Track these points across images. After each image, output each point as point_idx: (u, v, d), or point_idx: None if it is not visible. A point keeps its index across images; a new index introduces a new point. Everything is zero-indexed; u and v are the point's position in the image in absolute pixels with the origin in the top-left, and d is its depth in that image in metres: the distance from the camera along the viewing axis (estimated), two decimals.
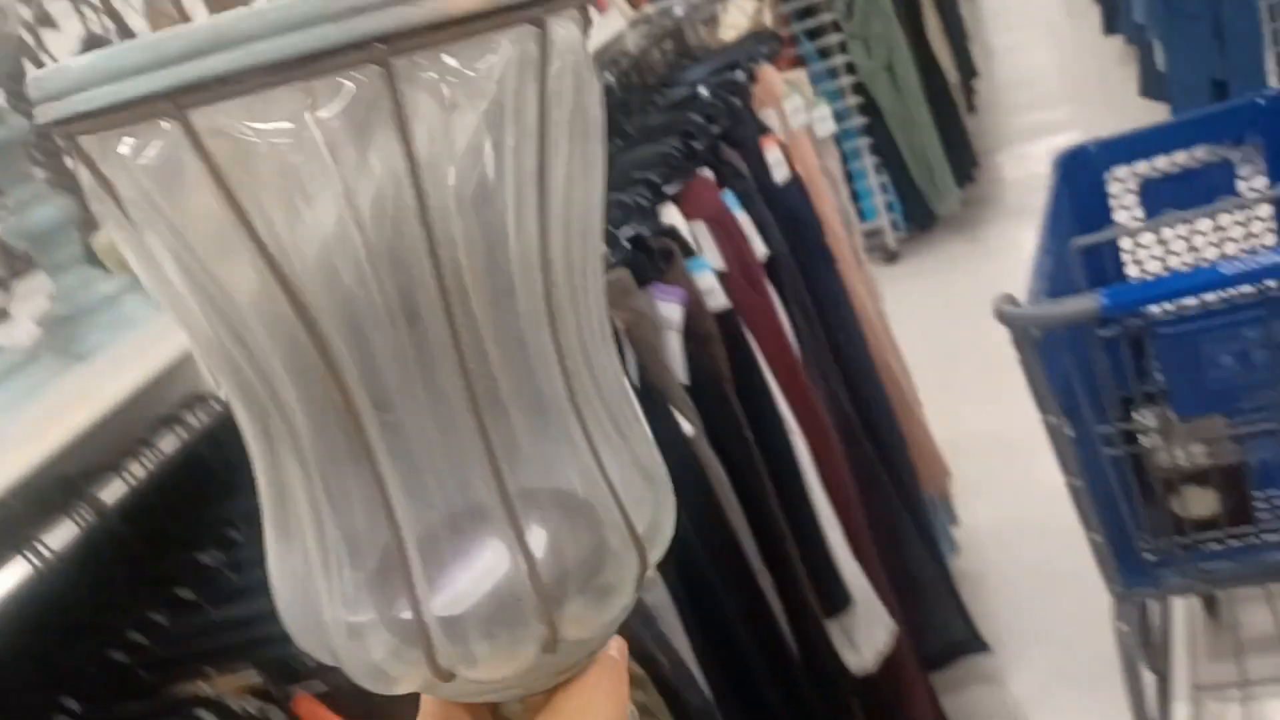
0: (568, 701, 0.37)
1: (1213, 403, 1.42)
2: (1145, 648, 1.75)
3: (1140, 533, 1.47)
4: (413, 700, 0.41)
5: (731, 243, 1.73)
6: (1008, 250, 3.94)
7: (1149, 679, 1.78)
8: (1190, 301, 1.58)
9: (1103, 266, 1.75)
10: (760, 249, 1.82)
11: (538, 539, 0.33)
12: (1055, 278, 1.49)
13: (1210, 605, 2.13)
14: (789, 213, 1.98)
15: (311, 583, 0.34)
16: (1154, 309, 1.57)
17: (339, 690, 0.84)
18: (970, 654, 2.14)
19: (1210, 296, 1.57)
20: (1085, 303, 1.26)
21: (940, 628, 2.06)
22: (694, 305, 1.53)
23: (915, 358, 2.62)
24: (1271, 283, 1.23)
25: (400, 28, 0.27)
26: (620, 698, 0.39)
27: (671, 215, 1.68)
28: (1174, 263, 1.73)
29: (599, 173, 0.35)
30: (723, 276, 1.65)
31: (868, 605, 1.67)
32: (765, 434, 1.56)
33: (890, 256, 4.90)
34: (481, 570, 0.33)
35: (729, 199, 1.81)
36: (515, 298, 0.33)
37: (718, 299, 1.61)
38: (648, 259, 1.45)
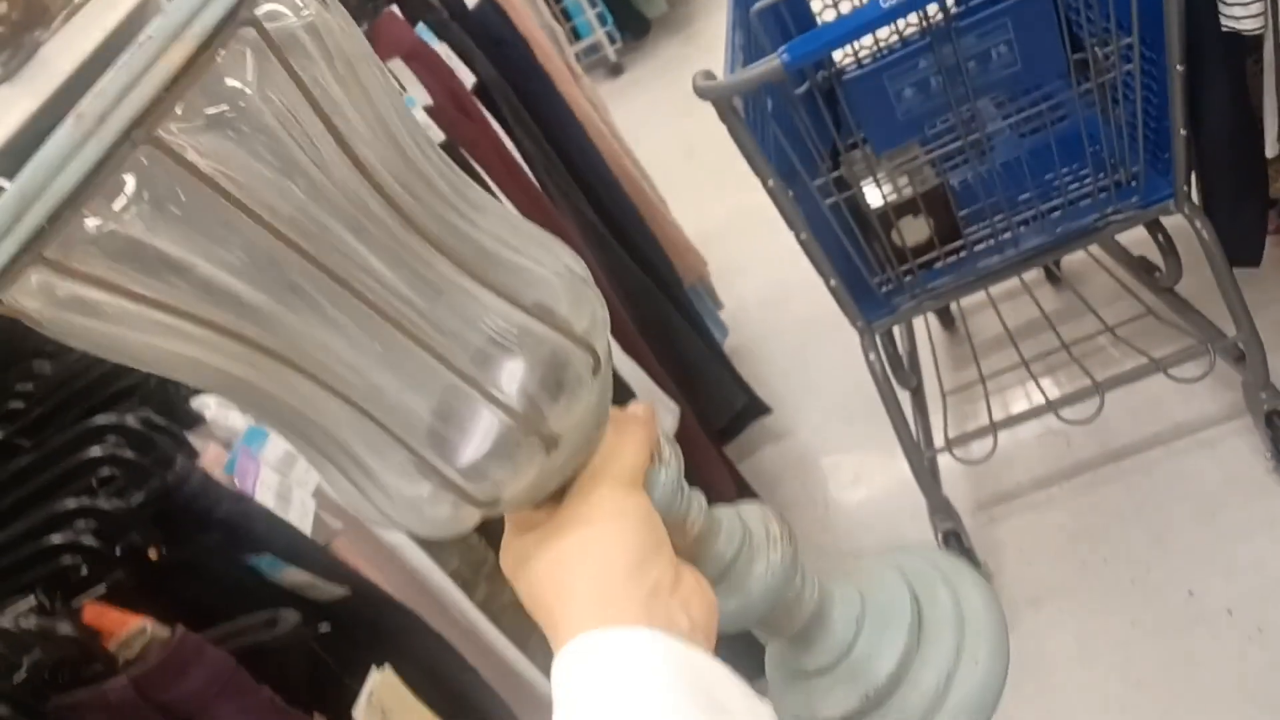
0: (598, 456, 0.51)
1: (905, 133, 1.54)
2: (897, 371, 1.94)
3: (870, 269, 1.64)
4: None
5: (434, 76, 1.71)
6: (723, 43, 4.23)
7: (906, 397, 2.01)
8: (867, 43, 1.69)
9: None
10: (468, 78, 1.81)
11: (506, 381, 0.45)
12: (750, 49, 1.58)
13: (946, 321, 2.38)
14: (490, 36, 1.98)
15: (386, 487, 0.46)
16: (838, 58, 1.67)
17: None
18: (755, 419, 2.35)
19: (884, 33, 1.70)
20: (770, 63, 1.35)
21: (723, 403, 2.24)
22: None
23: (654, 162, 2.78)
24: (931, 10, 1.34)
25: None
26: (639, 441, 0.52)
27: None
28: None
29: (383, 94, 0.43)
30: (433, 111, 1.62)
31: (648, 395, 1.80)
32: None
33: (614, 70, 5.09)
34: (478, 428, 0.45)
35: (423, 32, 1.80)
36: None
37: (434, 134, 1.59)
38: None
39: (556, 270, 0.47)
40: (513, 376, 0.45)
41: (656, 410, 0.57)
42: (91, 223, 0.36)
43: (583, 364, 0.47)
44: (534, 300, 0.46)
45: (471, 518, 0.48)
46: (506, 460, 0.46)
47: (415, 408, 0.45)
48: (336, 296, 0.42)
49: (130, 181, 0.36)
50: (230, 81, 0.37)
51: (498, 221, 0.47)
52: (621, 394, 1.80)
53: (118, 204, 0.36)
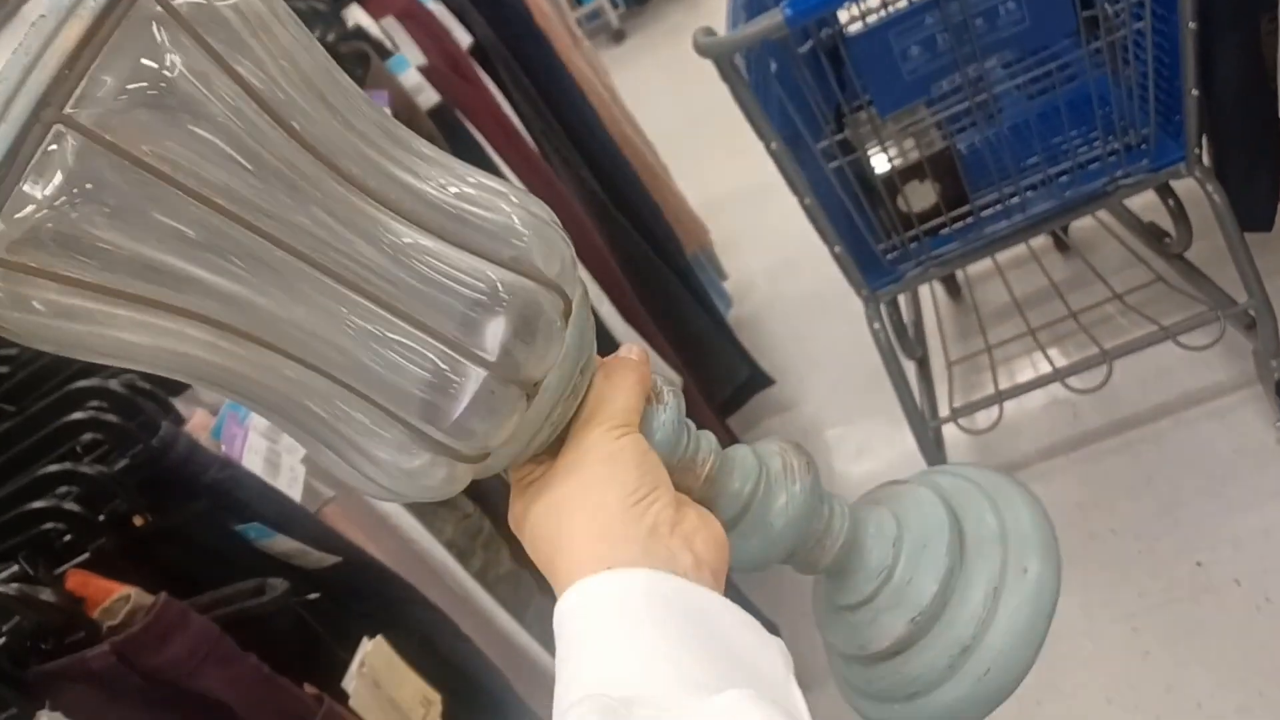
0: (589, 403, 0.51)
1: (911, 93, 1.50)
2: (902, 341, 1.93)
3: (875, 235, 1.61)
4: None
5: (430, 35, 1.68)
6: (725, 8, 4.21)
7: (911, 367, 1.98)
8: (873, 4, 1.65)
9: None
10: (463, 37, 1.78)
11: (478, 332, 0.44)
12: (752, 9, 1.52)
13: (952, 290, 2.34)
14: None
15: (381, 462, 0.46)
16: (843, 17, 1.64)
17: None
18: (759, 390, 2.33)
19: None
20: (773, 18, 1.31)
21: (727, 374, 2.22)
22: (403, 106, 1.48)
23: (657, 129, 2.76)
24: None
25: None
26: (629, 384, 0.51)
27: (356, 16, 1.64)
28: None
29: (305, 53, 0.42)
30: (427, 71, 1.59)
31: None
32: None
33: (617, 36, 5.16)
34: (461, 392, 0.44)
35: None
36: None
37: (428, 96, 1.57)
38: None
39: (521, 217, 0.46)
40: (484, 327, 0.44)
41: (651, 357, 0.56)
42: (26, 213, 0.36)
43: (554, 308, 0.46)
44: (498, 250, 0.45)
45: (465, 475, 0.48)
46: (488, 413, 0.45)
47: (399, 374, 0.44)
48: (292, 268, 0.41)
49: (59, 169, 0.36)
50: (144, 56, 0.37)
51: (451, 173, 0.46)
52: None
53: (49, 192, 0.36)
